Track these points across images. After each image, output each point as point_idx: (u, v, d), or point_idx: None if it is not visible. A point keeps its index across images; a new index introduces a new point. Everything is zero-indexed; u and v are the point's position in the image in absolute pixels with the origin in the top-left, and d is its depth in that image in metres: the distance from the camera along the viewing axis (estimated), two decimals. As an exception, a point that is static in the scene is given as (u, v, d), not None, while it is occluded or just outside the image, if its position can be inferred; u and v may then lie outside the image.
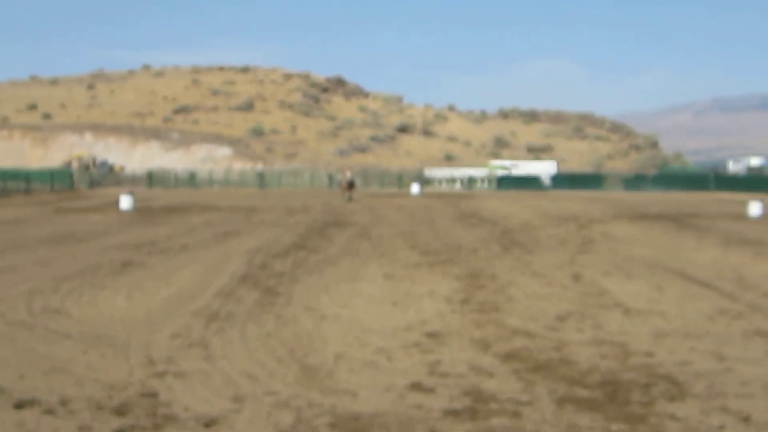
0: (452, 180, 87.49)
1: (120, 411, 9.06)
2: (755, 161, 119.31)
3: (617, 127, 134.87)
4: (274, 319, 14.80)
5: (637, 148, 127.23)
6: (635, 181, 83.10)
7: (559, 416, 9.12)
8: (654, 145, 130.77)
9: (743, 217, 42.31)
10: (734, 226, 36.92)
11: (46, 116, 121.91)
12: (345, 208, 53.56)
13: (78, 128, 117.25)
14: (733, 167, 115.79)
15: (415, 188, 73.10)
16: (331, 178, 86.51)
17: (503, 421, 8.85)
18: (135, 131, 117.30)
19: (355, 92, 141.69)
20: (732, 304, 16.67)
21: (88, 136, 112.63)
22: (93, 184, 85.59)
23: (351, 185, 34.26)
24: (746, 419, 9.00)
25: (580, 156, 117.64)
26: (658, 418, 9.02)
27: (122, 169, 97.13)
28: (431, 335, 13.54)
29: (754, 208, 42.76)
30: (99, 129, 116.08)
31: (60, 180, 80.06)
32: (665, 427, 8.71)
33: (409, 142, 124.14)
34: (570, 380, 10.69)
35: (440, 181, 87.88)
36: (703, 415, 9.12)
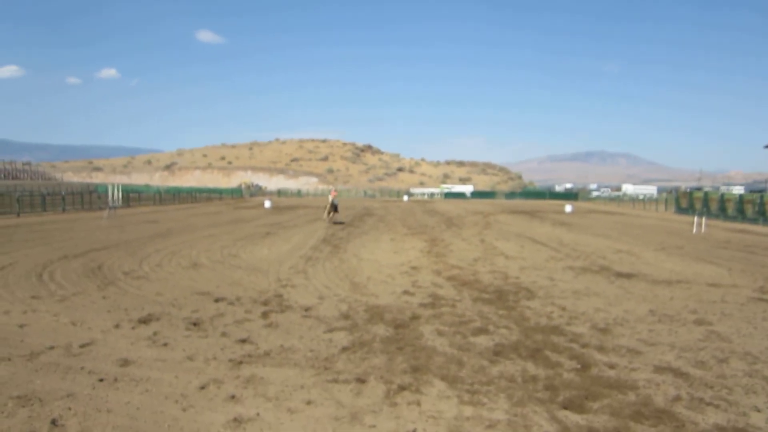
0: (423, 194, 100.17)
1: (265, 303, 10.73)
2: (568, 185, 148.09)
3: (502, 169, 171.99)
4: (338, 260, 16.59)
5: (512, 179, 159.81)
6: (511, 195, 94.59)
7: (474, 307, 10.69)
8: (520, 177, 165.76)
9: (563, 212, 46.76)
10: (558, 216, 41.35)
11: (229, 163, 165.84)
12: (371, 205, 56.73)
13: (244, 168, 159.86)
14: (558, 188, 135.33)
15: (405, 198, 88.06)
16: (365, 193, 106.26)
17: (447, 309, 10.41)
18: (272, 170, 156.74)
19: (375, 151, 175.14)
20: (557, 254, 18.75)
21: (250, 173, 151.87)
22: (251, 195, 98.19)
23: (335, 208, 29.86)
24: (563, 308, 10.62)
25: (484, 183, 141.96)
26: (522, 308, 10.63)
27: (266, 188, 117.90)
28: (413, 268, 15.34)
29: (568, 208, 49.65)
30: (255, 169, 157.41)
31: (236, 193, 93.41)
32: (525, 312, 10.27)
33: (402, 176, 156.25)
34: (479, 289, 12.31)
35: (418, 195, 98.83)
36: (543, 306, 10.78)
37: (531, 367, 7.38)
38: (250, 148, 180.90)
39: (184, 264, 15.44)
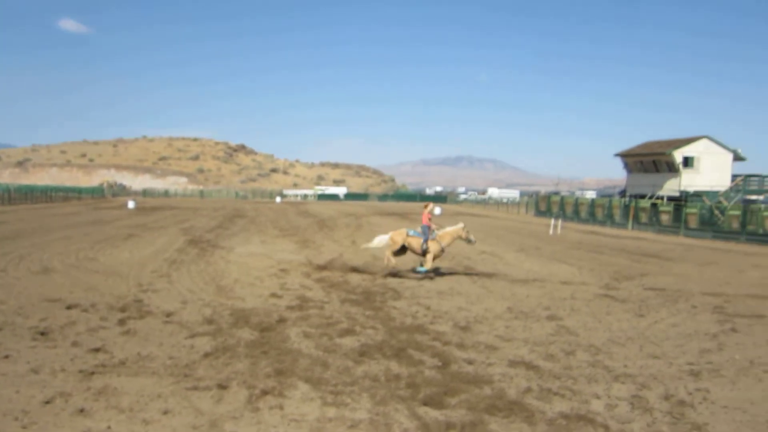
0: (297, 196, 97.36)
1: (123, 309, 10.20)
2: (438, 189, 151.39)
3: (376, 171, 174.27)
4: (204, 263, 16.12)
5: (385, 181, 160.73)
6: (384, 197, 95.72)
7: (342, 308, 10.76)
8: (393, 180, 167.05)
9: (432, 214, 48.54)
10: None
11: (91, 160, 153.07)
12: (243, 206, 55.47)
13: (107, 167, 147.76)
14: (429, 191, 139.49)
15: (278, 199, 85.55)
16: (237, 194, 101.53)
17: (315, 311, 10.41)
18: (138, 169, 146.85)
19: (249, 151, 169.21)
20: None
21: (113, 171, 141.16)
22: (114, 195, 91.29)
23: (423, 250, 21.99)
24: (428, 308, 10.94)
25: (358, 185, 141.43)
26: (388, 308, 10.84)
27: (130, 188, 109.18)
28: (282, 270, 15.20)
29: (437, 210, 49.88)
30: (119, 167, 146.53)
31: (97, 193, 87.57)
32: (391, 312, 10.47)
33: (276, 177, 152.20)
34: (348, 291, 12.42)
35: (291, 196, 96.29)
36: (408, 306, 11.05)
37: (395, 366, 7.53)
38: (115, 146, 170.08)
39: (34, 269, 14.34)
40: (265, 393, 6.53)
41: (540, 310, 11.14)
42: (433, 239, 14.74)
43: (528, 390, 6.80)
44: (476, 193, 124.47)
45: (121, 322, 9.49)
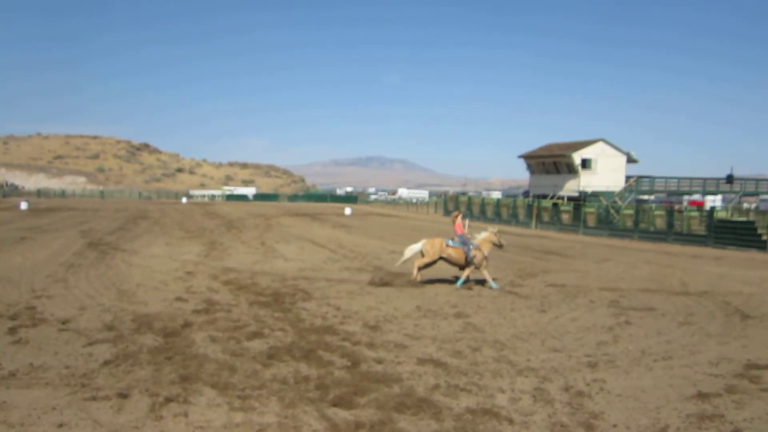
0: (204, 196, 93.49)
1: (13, 317, 9.66)
2: (349, 189, 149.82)
3: (286, 172, 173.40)
4: (104, 266, 15.46)
5: (295, 182, 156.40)
6: (294, 198, 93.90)
7: (250, 310, 10.60)
8: (303, 180, 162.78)
9: (343, 215, 48.11)
10: (338, 219, 42.45)
11: None
12: (147, 207, 53.09)
13: None
14: (339, 192, 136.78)
15: (183, 200, 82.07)
16: (141, 194, 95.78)
17: (222, 314, 10.20)
18: (31, 168, 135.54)
19: (153, 150, 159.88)
20: (335, 255, 19.38)
21: (3, 170, 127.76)
22: (5, 195, 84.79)
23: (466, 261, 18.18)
24: (338, 308, 10.94)
25: (268, 185, 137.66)
26: (298, 310, 10.74)
27: (23, 188, 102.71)
28: (188, 273, 14.83)
29: (348, 211, 51.27)
30: (10, 166, 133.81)
31: None
32: (301, 314, 10.39)
33: (182, 177, 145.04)
34: (257, 293, 12.24)
35: (198, 197, 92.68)
36: (318, 307, 11.01)
37: (304, 368, 7.47)
38: (5, 143, 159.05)
39: None
40: (168, 400, 6.31)
41: (448, 308, 11.36)
42: (475, 248, 14.05)
43: (436, 387, 6.91)
44: (386, 194, 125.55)
45: (12, 330, 8.95)
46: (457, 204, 51.31)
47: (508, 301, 12.37)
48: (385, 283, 13.50)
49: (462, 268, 14.08)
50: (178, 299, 11.56)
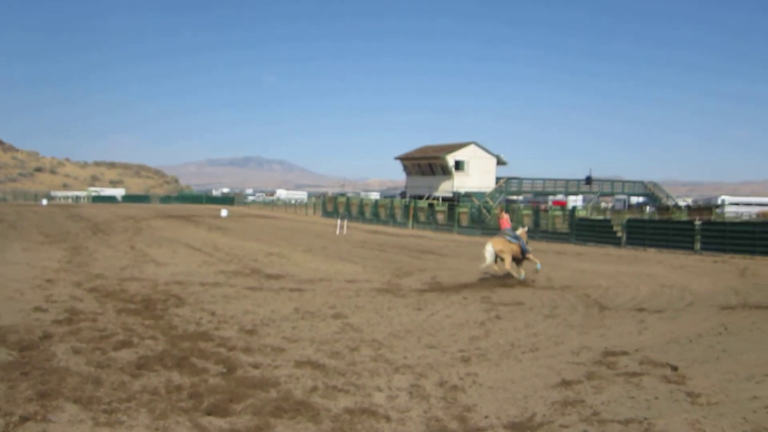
0: (67, 198, 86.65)
1: None
2: (225, 190, 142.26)
3: (158, 172, 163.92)
4: None
5: (168, 182, 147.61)
6: (167, 199, 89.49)
7: (118, 319, 10.06)
8: (176, 181, 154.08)
9: (219, 216, 47.09)
10: (214, 221, 41.49)
11: None
12: (1, 209, 48.40)
13: None
14: (215, 193, 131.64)
15: (44, 201, 75.55)
16: None
17: (87, 324, 9.59)
18: None
19: (8, 148, 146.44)
20: (210, 258, 18.90)
21: None
22: None
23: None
24: (213, 313, 10.53)
25: (138, 186, 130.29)
26: (170, 316, 10.34)
27: None
28: (48, 281, 13.77)
29: (224, 212, 49.80)
30: None
31: None
32: (173, 320, 10.00)
33: (42, 177, 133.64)
34: (125, 300, 11.64)
35: (61, 198, 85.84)
36: (192, 313, 10.65)
37: (176, 377, 7.18)
38: None
39: None
40: (25, 419, 5.83)
41: (326, 309, 11.36)
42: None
43: (314, 389, 6.87)
44: (264, 195, 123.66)
45: None
46: (336, 204, 51.49)
47: (385, 300, 12.55)
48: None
49: (519, 260, 15.70)
50: (37, 309, 10.72)
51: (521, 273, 15.55)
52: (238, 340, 8.90)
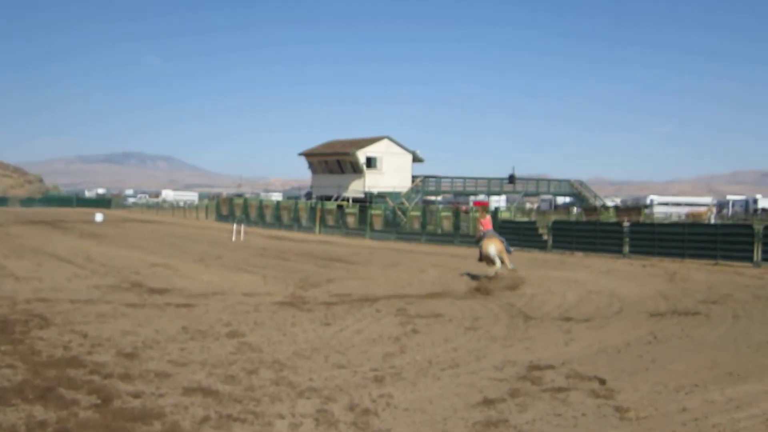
0: None
1: None
2: (101, 191, 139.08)
3: (18, 170, 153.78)
4: None
5: (30, 182, 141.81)
6: (28, 201, 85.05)
7: None
8: (41, 180, 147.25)
9: (93, 222, 45.73)
10: (87, 227, 40.26)
11: None
12: None
13: None
14: (89, 194, 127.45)
15: None
16: None
17: None
18: None
19: None
20: (82, 271, 18.20)
21: None
22: None
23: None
24: (85, 335, 10.15)
25: None
26: (32, 339, 9.83)
27: None
28: None
29: (99, 217, 48.18)
30: None
31: None
32: (36, 345, 9.50)
33: None
34: None
35: None
36: (60, 336, 10.18)
37: (39, 412, 6.83)
38: None
39: None
40: None
41: (220, 327, 11.17)
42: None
43: (205, 419, 6.72)
44: (147, 196, 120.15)
45: None
46: (232, 207, 50.69)
47: (288, 315, 12.48)
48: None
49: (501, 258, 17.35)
50: None
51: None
52: (115, 366, 8.59)
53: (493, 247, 17.12)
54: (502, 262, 17.21)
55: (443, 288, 16.53)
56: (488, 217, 18.49)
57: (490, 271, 17.14)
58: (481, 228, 18.21)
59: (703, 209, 58.62)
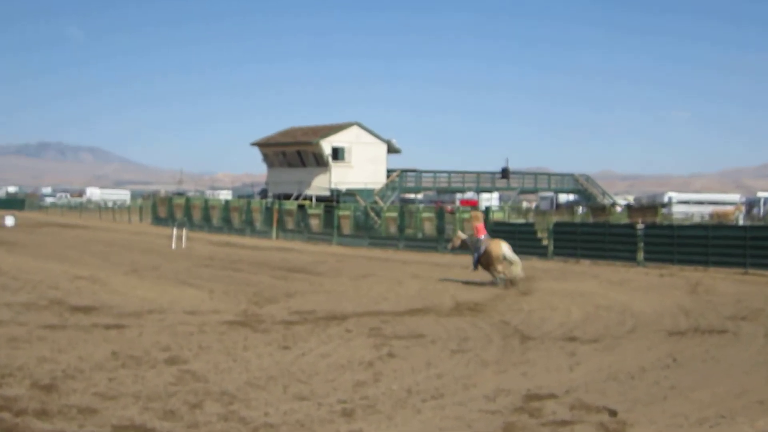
0: None
1: None
2: (11, 189, 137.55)
3: None
4: None
5: None
6: None
7: None
8: None
9: (2, 226, 45.03)
10: None
11: None
12: None
13: None
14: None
15: None
16: None
17: None
18: None
19: None
20: None
21: None
22: None
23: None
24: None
25: None
26: (-72, 370, 10.24)
27: None
28: None
29: (9, 221, 46.96)
30: None
31: None
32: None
33: None
34: None
35: None
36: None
37: (-64, 457, 6.74)
38: None
39: None
40: None
41: (157, 352, 11.11)
42: None
43: (139, 463, 6.67)
44: (69, 195, 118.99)
45: None
46: (171, 208, 50.38)
47: (240, 336, 12.45)
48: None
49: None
50: None
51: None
52: (29, 400, 8.50)
53: (506, 246, 18.67)
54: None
55: (425, 303, 16.56)
56: (481, 221, 19.50)
57: (510, 273, 19.00)
58: (476, 234, 19.71)
59: (730, 208, 59.30)
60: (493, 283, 19.19)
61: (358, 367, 10.43)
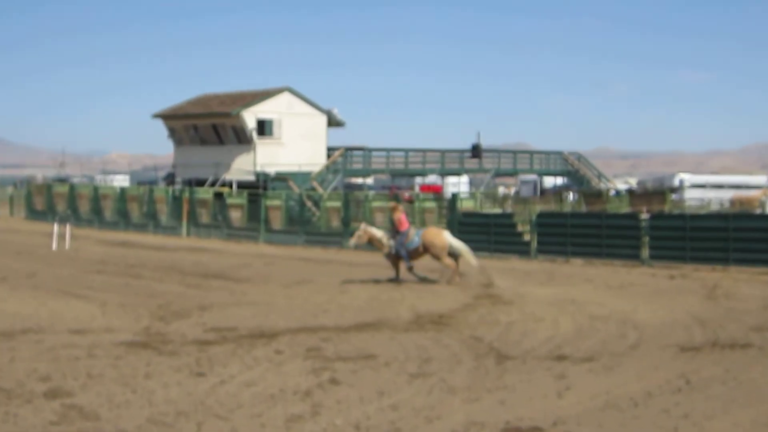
0: None
1: None
2: None
3: None
4: None
5: None
6: None
7: None
8: None
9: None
10: None
11: None
12: None
13: None
14: None
15: None
16: None
17: None
18: None
19: None
20: None
21: None
22: None
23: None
24: None
25: None
26: None
27: None
28: None
29: None
30: None
31: None
32: None
33: None
34: None
35: None
36: None
37: None
38: None
39: None
40: None
41: (34, 383, 10.96)
42: None
43: None
44: None
45: None
46: (51, 198, 49.70)
47: (141, 361, 12.31)
48: None
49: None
50: None
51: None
52: None
53: (447, 233, 20.09)
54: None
55: (377, 316, 16.55)
56: (403, 214, 20.70)
57: (463, 265, 20.18)
58: (399, 227, 20.59)
59: (755, 193, 59.78)
60: (393, 280, 20.95)
61: (293, 397, 10.38)
